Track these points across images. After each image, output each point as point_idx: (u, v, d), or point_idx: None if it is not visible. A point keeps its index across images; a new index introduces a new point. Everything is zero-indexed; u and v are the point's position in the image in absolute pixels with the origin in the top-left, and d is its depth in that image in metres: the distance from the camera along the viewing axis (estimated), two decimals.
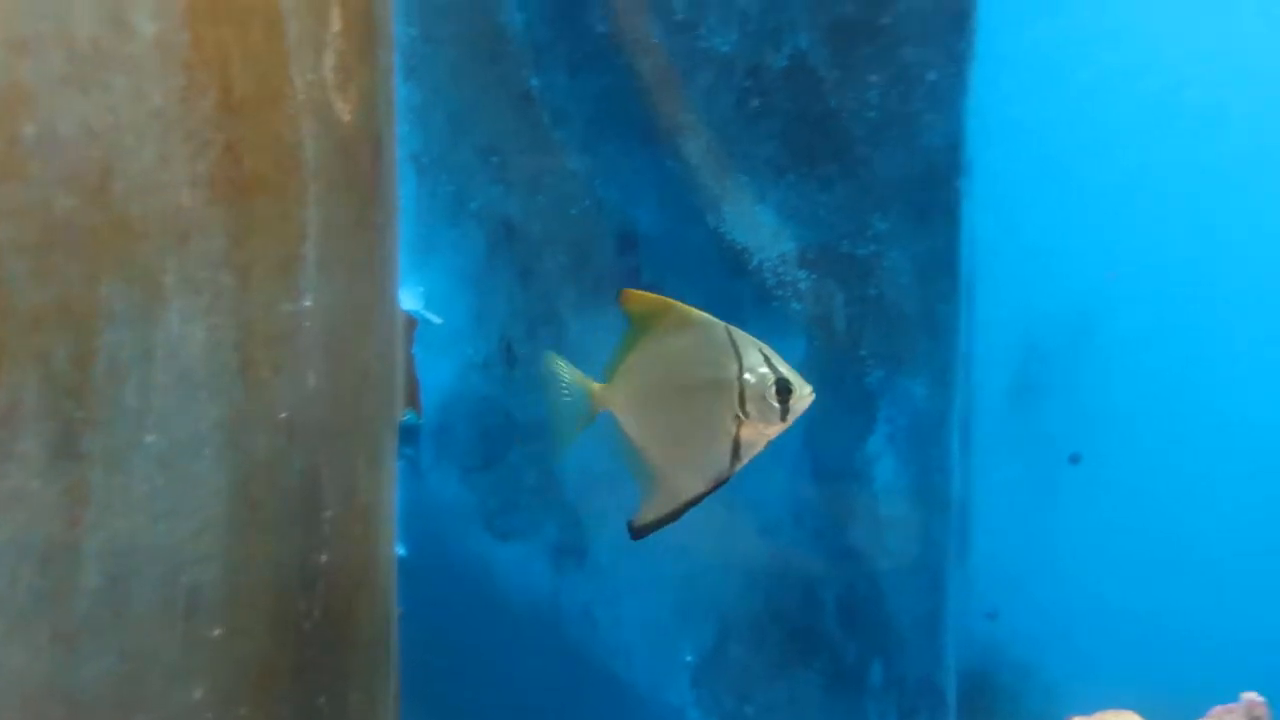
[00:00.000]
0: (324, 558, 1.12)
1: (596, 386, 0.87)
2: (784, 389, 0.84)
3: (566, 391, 0.88)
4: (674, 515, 0.85)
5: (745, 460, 0.85)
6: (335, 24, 1.11)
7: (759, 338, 0.88)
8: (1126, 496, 1.45)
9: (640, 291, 0.86)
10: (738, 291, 1.36)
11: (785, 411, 0.84)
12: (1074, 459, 1.47)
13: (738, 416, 0.83)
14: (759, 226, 1.35)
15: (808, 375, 0.87)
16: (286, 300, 1.02)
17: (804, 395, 0.84)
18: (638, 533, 0.86)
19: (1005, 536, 1.48)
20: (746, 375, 0.84)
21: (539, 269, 1.35)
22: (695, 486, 0.85)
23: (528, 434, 1.34)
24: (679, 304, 0.86)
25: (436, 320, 1.33)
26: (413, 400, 1.33)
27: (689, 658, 1.39)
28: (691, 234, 1.35)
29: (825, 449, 1.36)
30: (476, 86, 1.32)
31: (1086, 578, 1.46)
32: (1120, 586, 1.45)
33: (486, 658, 1.39)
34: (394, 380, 1.30)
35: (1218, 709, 1.13)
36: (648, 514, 0.86)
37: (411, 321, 1.33)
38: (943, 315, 1.37)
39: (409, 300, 1.33)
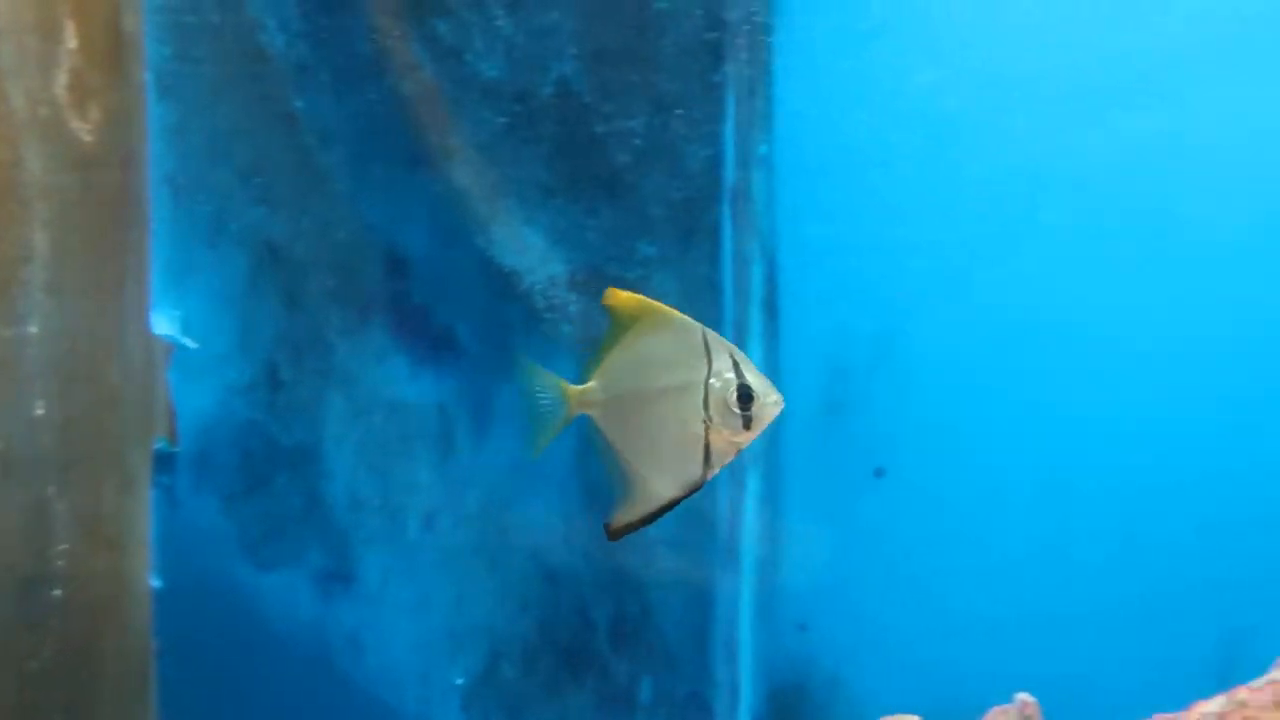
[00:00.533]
0: (56, 592, 1.07)
1: (573, 389, 0.85)
2: (745, 396, 0.82)
3: (542, 394, 0.86)
4: (648, 519, 0.84)
5: (717, 468, 0.83)
6: (70, 41, 1.08)
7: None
8: (928, 508, 1.49)
9: (623, 291, 0.84)
10: (508, 314, 1.37)
11: (749, 419, 0.82)
12: (879, 473, 1.52)
13: (704, 422, 0.82)
14: (528, 249, 1.36)
15: None
16: (3, 325, 0.98)
17: (768, 403, 0.82)
18: (614, 534, 0.84)
19: (815, 549, 1.52)
20: (711, 380, 0.82)
21: (305, 292, 1.33)
22: (669, 491, 0.83)
23: (292, 459, 1.32)
24: (659, 305, 0.84)
25: (192, 345, 1.30)
26: (168, 427, 1.29)
27: (459, 680, 1.39)
28: (461, 256, 1.36)
29: (594, 470, 1.38)
30: (236, 107, 1.30)
31: (892, 588, 1.51)
32: (923, 595, 1.50)
33: (250, 689, 1.35)
34: (148, 406, 1.26)
35: (994, 710, 1.18)
36: (623, 516, 0.84)
37: (167, 346, 1.29)
38: None
39: (165, 324, 1.29)
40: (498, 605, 1.38)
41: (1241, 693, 0.96)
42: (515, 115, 1.34)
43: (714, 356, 0.82)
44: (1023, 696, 1.28)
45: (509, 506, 1.40)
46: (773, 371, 1.44)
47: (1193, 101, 1.38)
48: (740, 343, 1.45)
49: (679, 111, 1.35)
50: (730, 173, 1.40)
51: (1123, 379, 1.42)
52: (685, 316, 0.83)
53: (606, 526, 0.84)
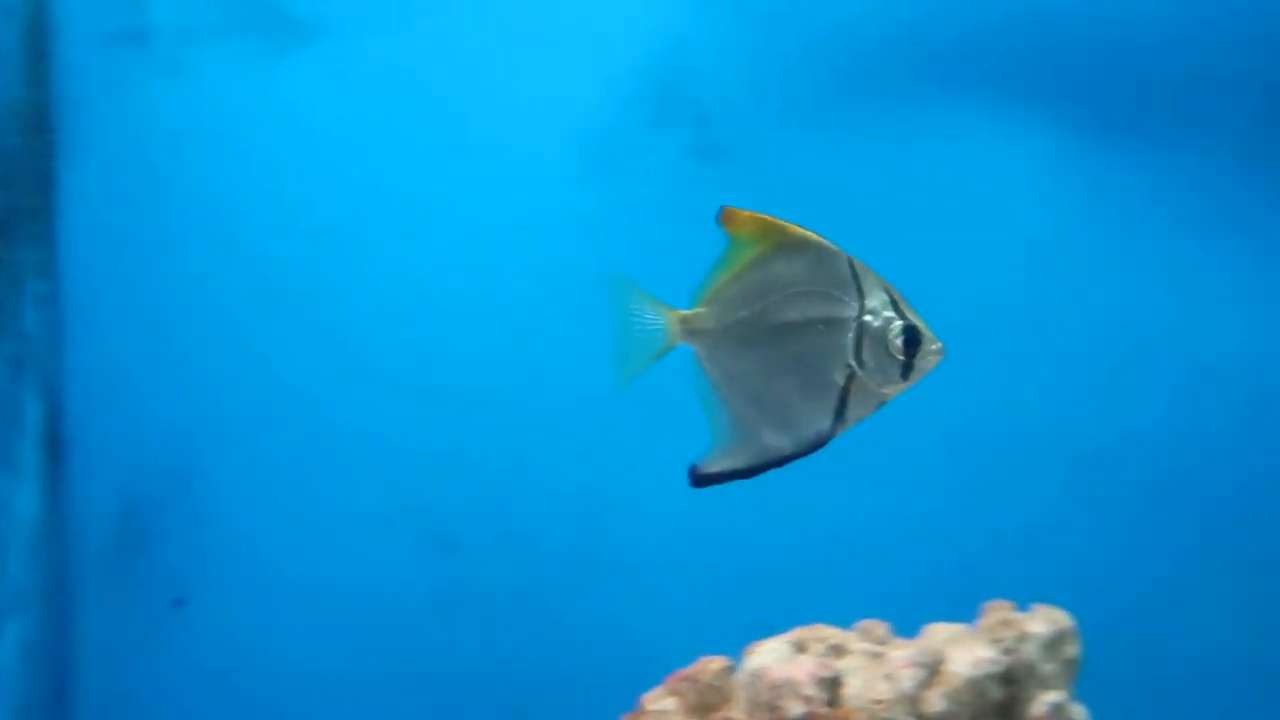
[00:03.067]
0: None
1: (677, 313, 0.73)
2: (912, 339, 0.70)
3: (639, 315, 0.73)
4: (749, 472, 0.72)
5: (851, 422, 0.71)
6: None
7: None
8: (232, 631, 1.50)
9: (744, 210, 0.72)
10: None
11: (909, 368, 0.71)
12: (177, 603, 1.50)
13: (849, 366, 0.71)
14: None
15: None
16: None
17: (933, 350, 0.71)
18: (699, 480, 0.72)
19: (113, 687, 1.51)
20: (868, 317, 0.70)
21: None
22: (785, 445, 0.71)
23: None
24: (791, 226, 0.72)
25: None
26: None
27: None
28: None
29: None
30: None
31: (201, 714, 1.50)
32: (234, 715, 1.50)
33: None
34: None
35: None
36: (718, 461, 0.72)
37: None
38: None
39: None
40: None
41: None
42: None
43: (867, 290, 0.71)
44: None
45: None
46: (59, 511, 1.47)
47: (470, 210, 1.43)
48: (17, 481, 1.45)
49: None
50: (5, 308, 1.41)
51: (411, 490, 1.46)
52: (824, 240, 0.72)
53: (693, 469, 0.72)
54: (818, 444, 0.71)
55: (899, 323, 0.70)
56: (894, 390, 0.71)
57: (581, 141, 1.46)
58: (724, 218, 0.72)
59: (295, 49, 1.48)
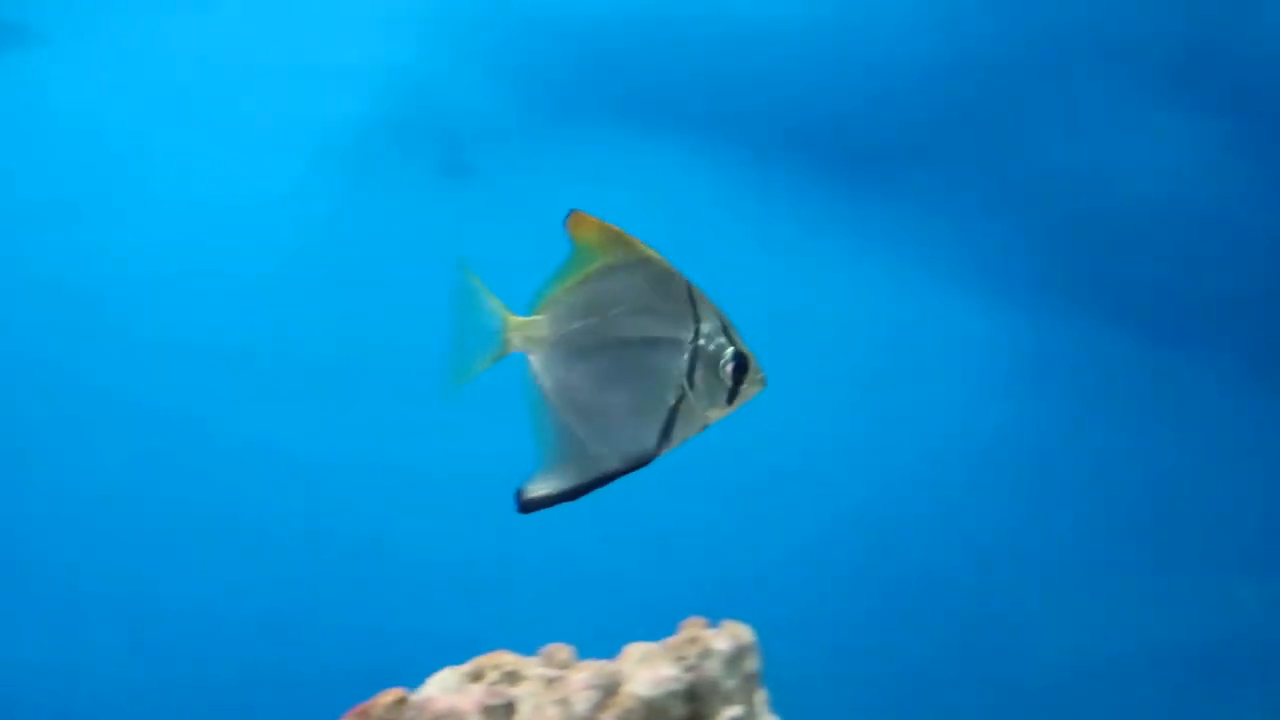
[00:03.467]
0: None
1: (516, 319, 0.71)
2: (740, 365, 0.71)
3: (478, 316, 0.71)
4: (575, 493, 0.71)
5: (676, 442, 0.71)
6: None
7: None
8: None
9: (592, 217, 0.70)
10: None
11: (734, 394, 0.71)
12: None
13: (680, 386, 0.72)
14: None
15: None
16: None
17: (758, 379, 0.71)
18: (526, 506, 0.70)
19: None
20: (702, 341, 0.71)
21: None
22: (610, 462, 0.71)
23: None
24: (634, 240, 0.71)
25: None
26: None
27: None
28: None
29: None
30: None
31: None
32: None
33: None
34: None
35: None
36: (543, 485, 0.70)
37: None
38: None
39: None
40: None
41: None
42: None
43: (702, 314, 0.71)
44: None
45: None
46: None
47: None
48: None
49: None
50: None
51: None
52: (665, 259, 0.72)
53: (519, 494, 0.71)
54: (642, 462, 0.71)
55: (730, 349, 0.71)
56: (717, 414, 0.72)
57: (323, 158, 1.43)
58: (571, 222, 0.71)
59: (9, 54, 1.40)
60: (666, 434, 0.71)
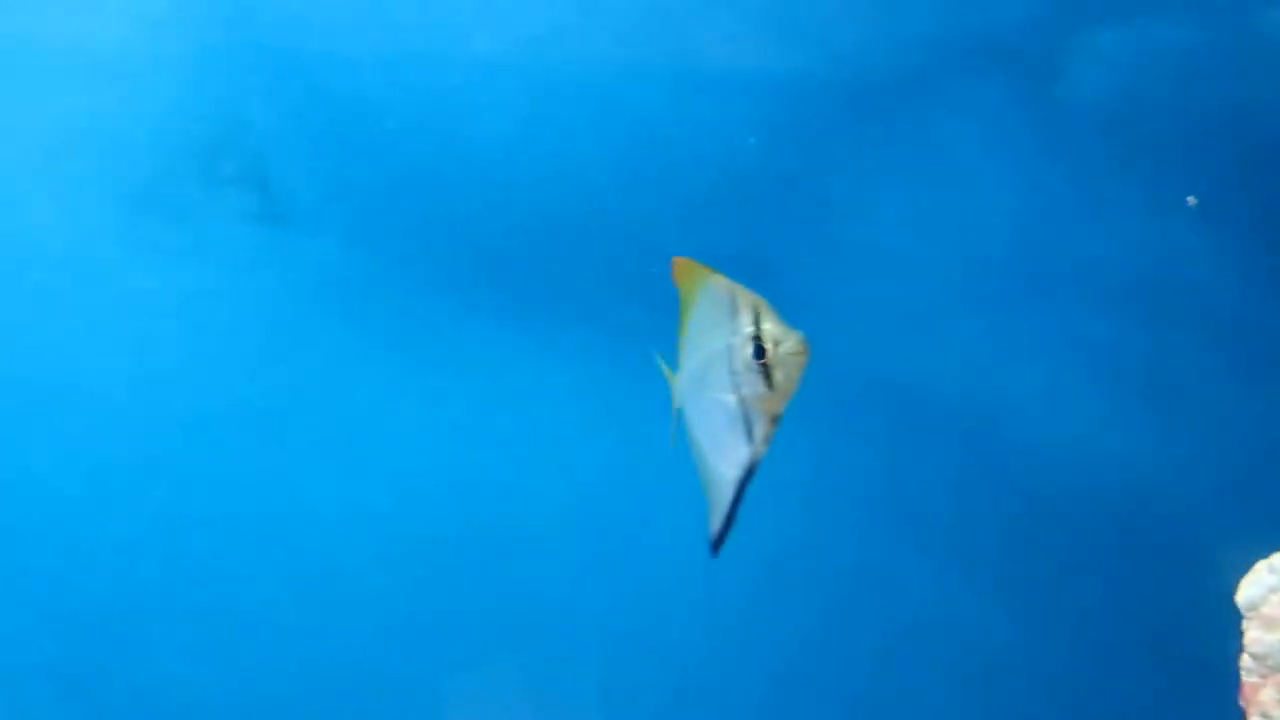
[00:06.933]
0: None
1: (672, 378, 0.76)
2: (758, 346, 0.71)
3: (669, 385, 0.76)
4: (729, 517, 0.72)
5: (762, 441, 0.72)
6: None
7: None
8: None
9: (687, 260, 0.73)
10: None
11: (769, 375, 0.71)
12: None
13: (735, 385, 0.73)
14: None
15: None
16: None
17: (784, 350, 0.71)
18: (714, 546, 0.73)
19: None
20: (734, 339, 0.72)
21: None
22: (733, 476, 0.72)
23: None
24: (699, 268, 0.73)
25: None
26: None
27: None
28: None
29: None
30: None
31: None
32: None
33: None
34: None
35: None
36: (713, 520, 0.73)
37: None
38: None
39: None
40: None
41: None
42: None
43: (737, 313, 0.72)
44: None
45: None
46: None
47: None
48: None
49: None
50: None
51: None
52: (719, 276, 0.73)
53: (710, 542, 0.74)
54: (752, 469, 0.72)
55: (748, 330, 0.71)
56: (774, 402, 0.72)
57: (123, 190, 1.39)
58: (674, 271, 0.75)
59: None
60: (750, 436, 0.72)
